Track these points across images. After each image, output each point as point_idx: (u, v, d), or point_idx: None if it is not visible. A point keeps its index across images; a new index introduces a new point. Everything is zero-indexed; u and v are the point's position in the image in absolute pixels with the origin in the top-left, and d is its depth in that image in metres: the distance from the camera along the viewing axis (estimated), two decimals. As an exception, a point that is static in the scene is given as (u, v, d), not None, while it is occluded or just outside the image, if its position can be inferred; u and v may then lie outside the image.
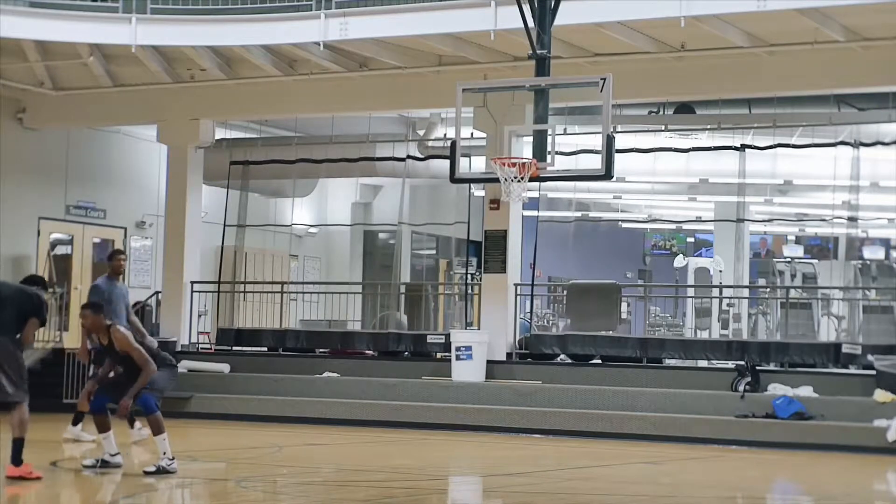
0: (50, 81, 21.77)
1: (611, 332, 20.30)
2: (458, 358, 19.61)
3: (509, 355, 20.13)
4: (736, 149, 21.57)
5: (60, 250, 23.90)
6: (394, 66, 19.79)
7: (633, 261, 39.13)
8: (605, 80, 14.59)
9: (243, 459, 14.94)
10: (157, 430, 12.26)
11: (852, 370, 18.61)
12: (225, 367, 21.26)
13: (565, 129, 20.67)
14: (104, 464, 12.53)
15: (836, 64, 18.08)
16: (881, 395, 17.27)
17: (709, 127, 22.05)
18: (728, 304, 24.20)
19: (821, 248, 35.65)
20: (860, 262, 25.34)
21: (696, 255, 32.43)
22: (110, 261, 16.23)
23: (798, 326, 21.45)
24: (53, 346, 22.54)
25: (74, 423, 15.56)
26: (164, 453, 12.22)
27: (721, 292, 24.39)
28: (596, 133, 16.97)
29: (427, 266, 30.87)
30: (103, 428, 12.51)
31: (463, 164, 17.17)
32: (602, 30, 17.60)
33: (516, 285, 20.62)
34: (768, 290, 25.15)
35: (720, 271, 26.38)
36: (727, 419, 17.69)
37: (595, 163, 15.83)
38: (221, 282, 23.17)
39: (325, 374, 20.62)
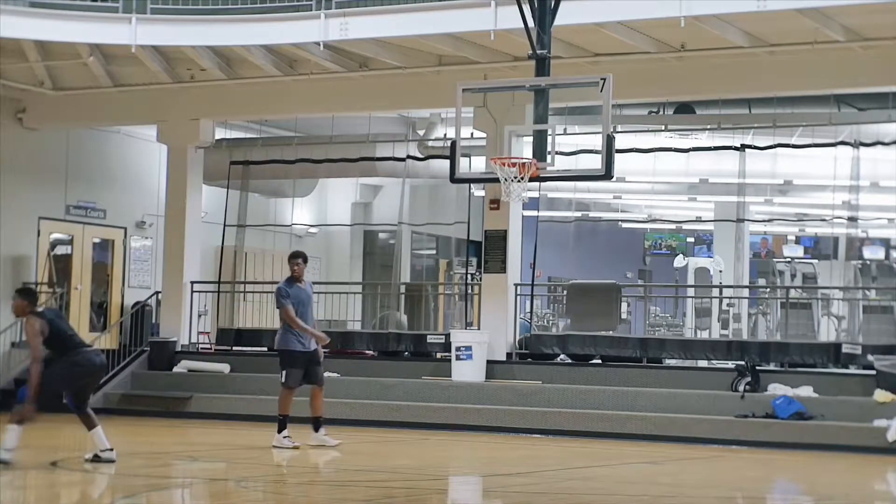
0: (50, 81, 21.76)
1: (611, 332, 20.30)
2: (458, 358, 19.62)
3: (509, 355, 20.13)
4: (736, 149, 21.56)
5: (60, 250, 23.89)
6: (394, 66, 19.79)
7: (633, 261, 39.10)
8: (605, 80, 14.58)
9: (243, 459, 14.93)
10: (16, 420, 12.34)
11: (852, 370, 18.62)
12: (225, 367, 21.27)
13: (565, 129, 20.66)
14: (96, 458, 12.61)
15: (836, 64, 18.09)
16: (881, 395, 17.28)
17: (709, 127, 22.05)
18: (728, 304, 24.19)
19: (816, 245, 35.62)
20: (860, 262, 25.32)
21: (699, 248, 32.38)
22: (290, 263, 15.75)
23: (798, 326, 21.43)
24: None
25: (280, 431, 15.39)
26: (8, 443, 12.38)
27: (721, 292, 24.39)
28: (596, 133, 16.96)
29: (427, 266, 30.86)
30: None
31: (463, 164, 17.17)
32: (602, 30, 17.59)
33: (516, 285, 20.62)
34: (768, 290, 25.14)
35: (720, 271, 26.38)
36: (727, 419, 17.69)
37: (595, 163, 15.82)
38: (221, 282, 23.16)
39: (326, 374, 20.57)
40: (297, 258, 15.59)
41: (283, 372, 15.36)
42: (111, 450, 12.78)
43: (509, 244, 20.27)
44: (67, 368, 12.52)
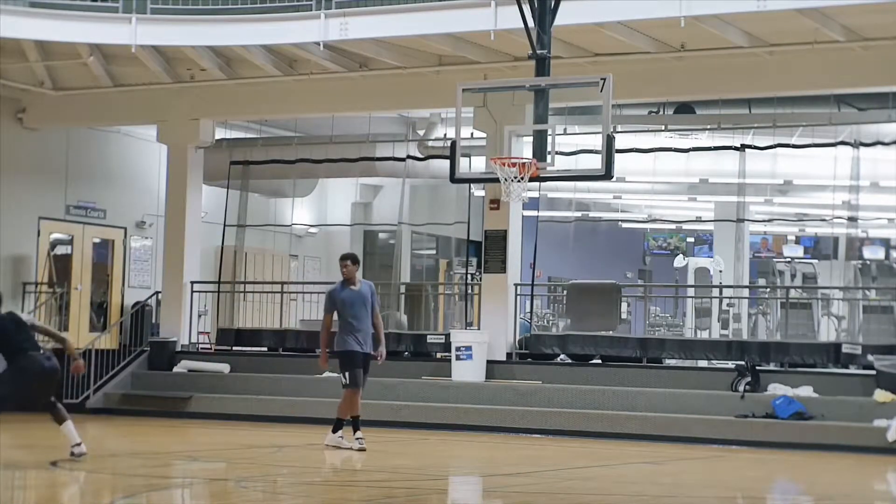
0: (50, 81, 21.77)
1: (611, 332, 20.30)
2: (458, 358, 19.62)
3: (509, 355, 20.13)
4: (736, 149, 21.57)
5: (60, 250, 23.88)
6: (394, 66, 19.79)
7: (633, 261, 39.13)
8: (605, 80, 14.58)
9: (243, 459, 14.93)
10: None
11: (852, 370, 18.61)
12: (225, 367, 21.27)
13: (565, 129, 20.66)
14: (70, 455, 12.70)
15: (836, 64, 18.08)
16: (881, 395, 17.28)
17: (709, 127, 22.04)
18: (728, 304, 24.20)
19: (816, 245, 35.62)
20: (860, 262, 25.32)
21: (699, 248, 32.39)
22: (339, 264, 15.68)
23: (798, 326, 21.44)
24: (53, 346, 22.55)
25: (334, 431, 15.31)
26: None
27: (721, 292, 24.39)
28: (596, 133, 16.97)
29: (427, 266, 30.85)
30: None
31: (463, 164, 17.17)
32: (602, 30, 17.59)
33: (516, 285, 20.62)
34: (768, 290, 25.14)
35: (720, 271, 26.38)
36: (727, 419, 17.69)
37: (595, 163, 15.82)
38: (221, 282, 23.17)
39: (326, 374, 20.59)
40: (345, 260, 15.54)
41: (345, 373, 15.22)
42: (80, 444, 12.75)
43: (509, 244, 20.27)
44: (14, 375, 12.40)
